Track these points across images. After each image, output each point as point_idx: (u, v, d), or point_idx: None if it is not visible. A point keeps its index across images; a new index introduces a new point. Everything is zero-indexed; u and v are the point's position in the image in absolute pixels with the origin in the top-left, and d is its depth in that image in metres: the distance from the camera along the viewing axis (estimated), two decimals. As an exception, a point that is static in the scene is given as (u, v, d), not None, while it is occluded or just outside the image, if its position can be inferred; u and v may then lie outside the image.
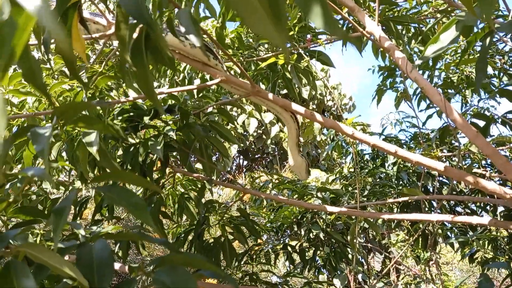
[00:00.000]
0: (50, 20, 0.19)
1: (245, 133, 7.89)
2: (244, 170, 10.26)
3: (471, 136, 1.16)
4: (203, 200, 1.70)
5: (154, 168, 1.61)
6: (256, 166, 10.27)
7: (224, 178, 7.33)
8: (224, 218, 1.73)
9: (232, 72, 1.48)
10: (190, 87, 1.17)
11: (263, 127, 8.04)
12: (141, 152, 1.26)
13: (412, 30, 2.02)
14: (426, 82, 1.30)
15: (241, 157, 10.19)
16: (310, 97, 8.21)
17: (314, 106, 8.90)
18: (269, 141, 8.25)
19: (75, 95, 1.42)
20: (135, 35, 0.79)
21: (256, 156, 9.76)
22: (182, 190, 1.85)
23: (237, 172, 9.93)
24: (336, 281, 3.71)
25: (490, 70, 1.95)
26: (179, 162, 1.93)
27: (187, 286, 0.57)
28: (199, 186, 1.75)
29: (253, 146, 8.79)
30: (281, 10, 0.31)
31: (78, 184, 1.65)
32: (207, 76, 2.08)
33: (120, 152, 1.49)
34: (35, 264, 0.62)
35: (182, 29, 0.77)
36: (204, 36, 1.14)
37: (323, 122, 1.14)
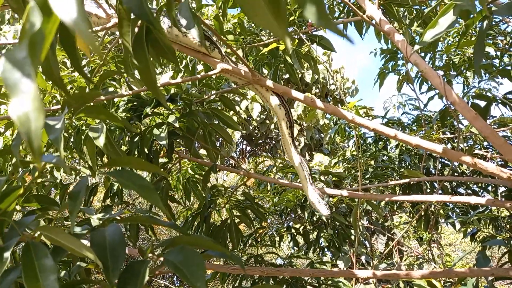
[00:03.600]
0: (85, 32, 0.22)
1: (248, 118, 7.90)
2: (247, 155, 10.31)
3: (470, 118, 1.18)
4: (208, 185, 1.74)
5: (161, 154, 1.64)
6: (259, 151, 10.32)
7: (228, 163, 7.38)
8: (231, 201, 1.77)
9: (233, 58, 1.49)
10: (193, 78, 1.20)
11: (267, 112, 8.04)
12: (147, 138, 1.30)
13: (414, 12, 2.01)
14: (426, 65, 1.31)
15: (245, 142, 10.23)
16: (312, 81, 8.17)
17: (317, 91, 8.87)
18: (272, 126, 8.26)
19: (79, 87, 1.44)
20: (136, 29, 0.81)
21: (260, 141, 9.80)
22: (191, 173, 1.90)
23: (240, 157, 9.98)
24: (340, 263, 3.78)
25: (492, 51, 1.94)
26: (183, 148, 1.97)
27: (196, 266, 0.61)
28: (205, 171, 1.79)
29: (256, 131, 8.82)
30: (281, 4, 0.34)
31: (86, 171, 1.69)
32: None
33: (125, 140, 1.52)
34: (52, 247, 0.66)
35: (183, 21, 0.79)
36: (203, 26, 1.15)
37: (324, 108, 1.16)
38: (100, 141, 0.80)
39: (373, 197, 1.42)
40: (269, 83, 1.21)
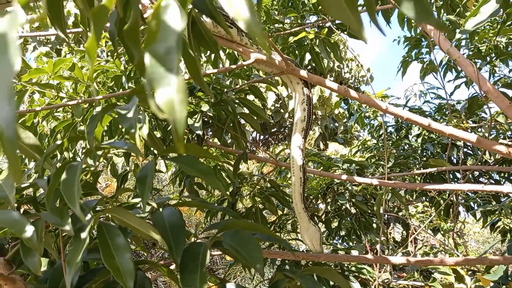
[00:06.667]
0: (260, 34, 0.24)
1: (262, 107, 7.91)
2: (260, 144, 10.35)
3: (504, 108, 1.18)
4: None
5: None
6: (272, 140, 10.34)
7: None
8: (256, 189, 1.81)
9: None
10: (228, 68, 1.22)
11: (281, 101, 8.03)
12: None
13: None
14: (459, 54, 1.31)
15: (258, 131, 10.25)
16: (327, 69, 8.12)
17: (332, 79, 8.79)
18: (286, 115, 8.26)
19: (114, 76, 1.48)
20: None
21: (273, 129, 9.81)
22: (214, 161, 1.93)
23: (253, 146, 10.02)
24: (355, 251, 3.82)
25: (521, 39, 1.91)
26: (208, 136, 2.01)
27: (253, 248, 0.64)
28: (232, 158, 1.83)
29: (270, 120, 8.83)
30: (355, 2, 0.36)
31: (118, 159, 1.74)
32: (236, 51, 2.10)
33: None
34: (117, 227, 0.70)
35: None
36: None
37: (358, 98, 1.17)
38: (144, 132, 0.83)
39: (403, 186, 1.44)
40: (303, 73, 1.22)
